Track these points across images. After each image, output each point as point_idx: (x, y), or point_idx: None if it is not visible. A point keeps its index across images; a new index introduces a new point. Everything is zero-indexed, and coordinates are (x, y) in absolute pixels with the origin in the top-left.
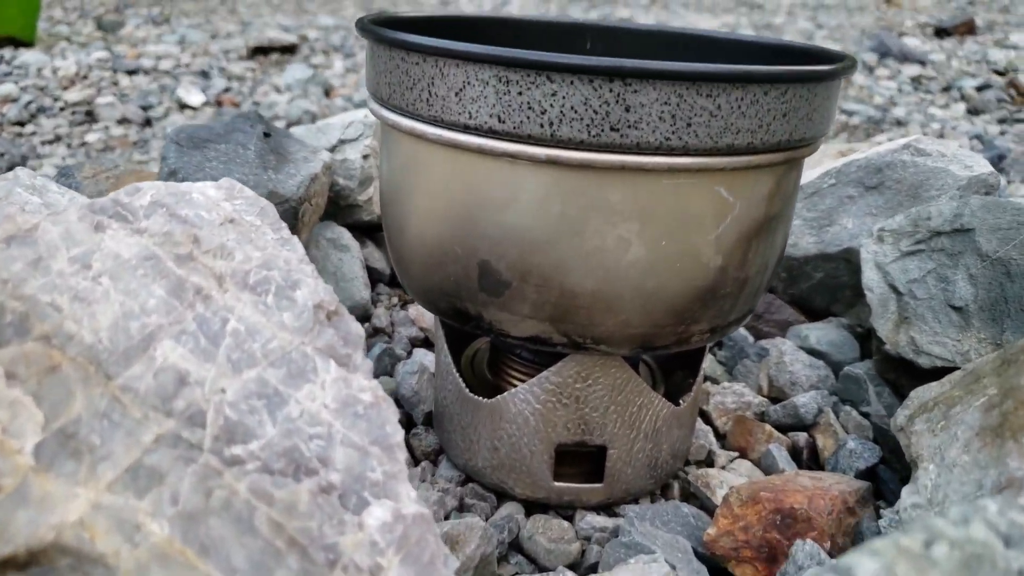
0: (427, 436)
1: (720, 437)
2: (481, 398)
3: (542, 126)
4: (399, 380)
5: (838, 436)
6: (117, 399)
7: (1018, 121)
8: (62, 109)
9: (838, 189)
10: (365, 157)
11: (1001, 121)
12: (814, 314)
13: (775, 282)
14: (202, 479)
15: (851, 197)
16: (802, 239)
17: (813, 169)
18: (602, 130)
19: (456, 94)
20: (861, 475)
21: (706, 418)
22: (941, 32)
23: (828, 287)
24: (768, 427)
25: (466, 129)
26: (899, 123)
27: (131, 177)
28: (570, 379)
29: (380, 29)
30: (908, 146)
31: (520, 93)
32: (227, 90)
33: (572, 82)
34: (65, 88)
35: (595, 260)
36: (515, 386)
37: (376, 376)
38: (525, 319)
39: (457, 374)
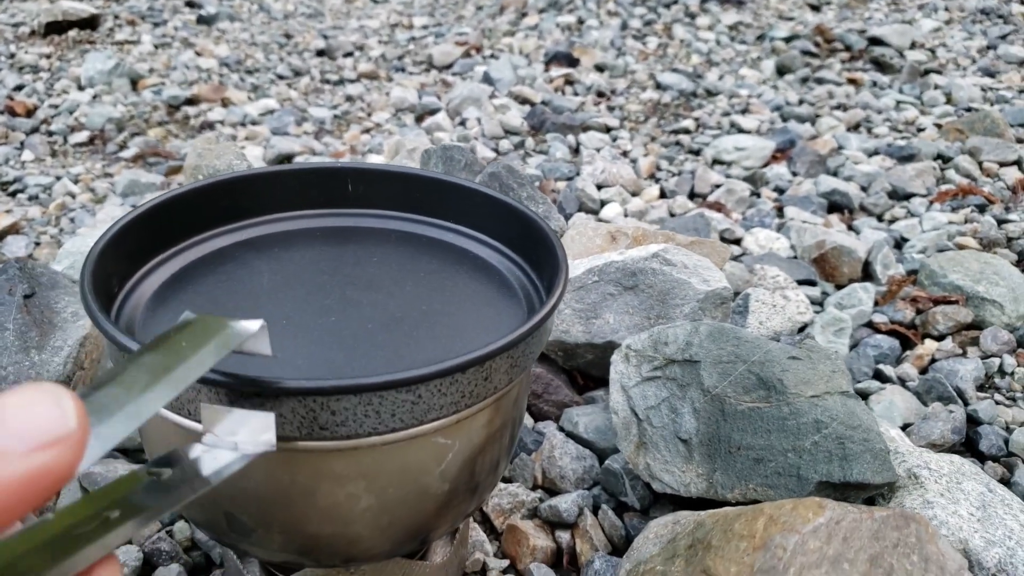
0: None
1: (498, 536)
2: None
3: None
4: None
5: (593, 542)
6: None
7: (818, 81)
8: None
9: (601, 286)
10: None
11: (803, 81)
12: (592, 379)
13: (554, 357)
14: None
15: (612, 295)
16: (573, 327)
17: (581, 260)
18: (312, 430)
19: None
20: None
21: (486, 518)
22: None
23: (599, 364)
24: (533, 540)
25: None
26: (709, 93)
27: None
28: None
29: (99, 317)
30: (657, 255)
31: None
32: (19, 88)
33: (279, 397)
34: None
35: (330, 512)
36: None
37: (171, 523)
38: (276, 552)
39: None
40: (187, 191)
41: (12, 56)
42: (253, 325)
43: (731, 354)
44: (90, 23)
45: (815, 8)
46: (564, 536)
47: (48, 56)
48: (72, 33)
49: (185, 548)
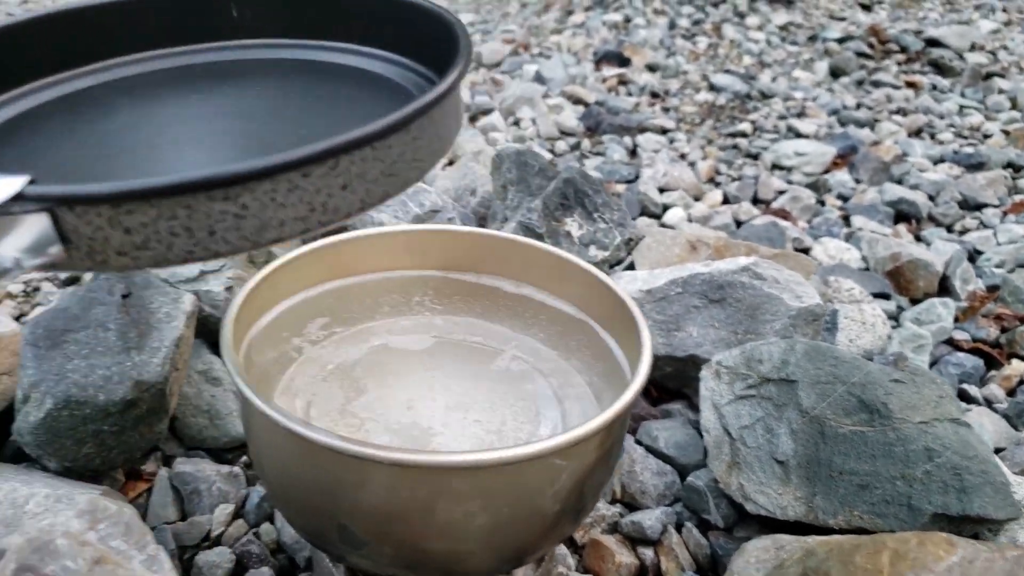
0: None
1: (579, 549)
2: None
3: None
4: (280, 527)
5: (679, 560)
6: None
7: (875, 84)
8: None
9: (684, 298)
10: (228, 288)
11: (859, 84)
12: (667, 391)
13: None
14: None
15: (696, 307)
16: (653, 338)
17: (662, 270)
18: (106, 257)
19: None
20: None
21: None
22: None
23: (678, 376)
24: (618, 557)
25: None
26: (764, 95)
27: None
28: None
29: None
30: (747, 268)
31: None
32: None
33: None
34: None
35: (446, 529)
36: None
37: (256, 524)
38: (384, 565)
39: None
40: (30, 20)
41: None
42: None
43: (829, 374)
44: None
45: (866, 8)
46: (646, 553)
47: None
48: None
49: (271, 551)
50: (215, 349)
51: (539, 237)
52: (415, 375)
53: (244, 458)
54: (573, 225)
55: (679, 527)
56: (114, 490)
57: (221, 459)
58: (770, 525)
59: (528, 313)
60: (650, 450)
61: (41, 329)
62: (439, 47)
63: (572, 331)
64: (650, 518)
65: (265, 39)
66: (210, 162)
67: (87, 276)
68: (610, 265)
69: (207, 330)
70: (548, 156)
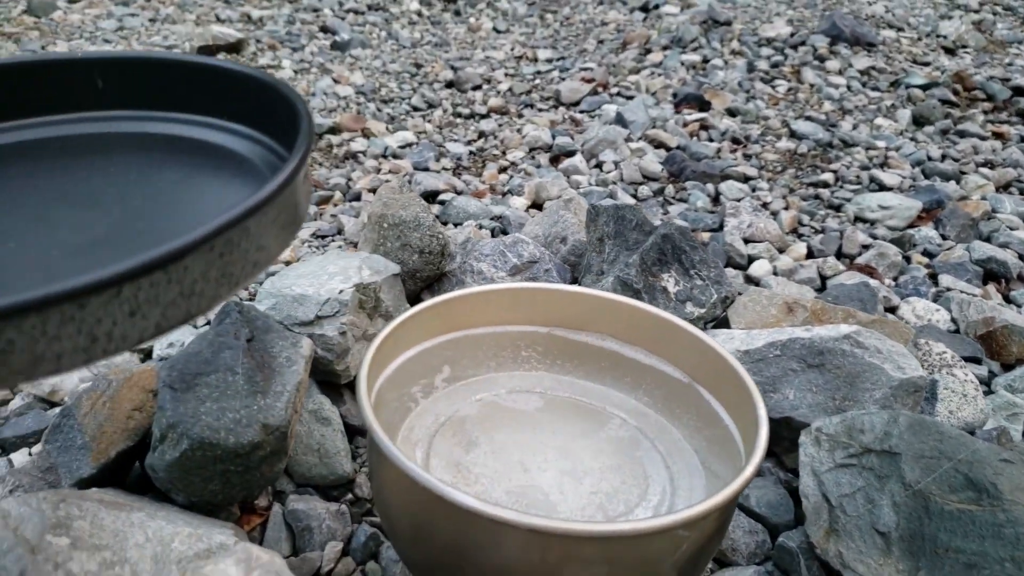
0: None
1: None
2: None
3: None
4: (384, 565)
5: None
6: None
7: (960, 135)
8: None
9: (782, 361)
10: (342, 333)
11: (943, 133)
12: None
13: None
14: None
15: (794, 371)
16: None
17: (760, 332)
18: None
19: None
20: None
21: None
22: None
23: (771, 436)
24: None
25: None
26: (845, 144)
27: (129, 392)
28: None
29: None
30: (849, 337)
31: None
32: None
33: None
34: None
35: None
36: None
37: (362, 562)
38: None
39: None
40: None
41: None
42: None
43: (934, 449)
44: (236, 47)
45: (950, 52)
46: None
47: None
48: (220, 56)
49: None
50: (324, 389)
51: (636, 292)
52: (525, 433)
53: (349, 496)
54: (670, 281)
55: None
56: (241, 528)
57: (328, 496)
58: None
59: (633, 374)
60: (742, 508)
61: (176, 372)
62: (290, 135)
63: (677, 394)
64: None
65: (136, 111)
66: (20, 270)
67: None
68: (705, 323)
69: (318, 369)
70: (632, 200)
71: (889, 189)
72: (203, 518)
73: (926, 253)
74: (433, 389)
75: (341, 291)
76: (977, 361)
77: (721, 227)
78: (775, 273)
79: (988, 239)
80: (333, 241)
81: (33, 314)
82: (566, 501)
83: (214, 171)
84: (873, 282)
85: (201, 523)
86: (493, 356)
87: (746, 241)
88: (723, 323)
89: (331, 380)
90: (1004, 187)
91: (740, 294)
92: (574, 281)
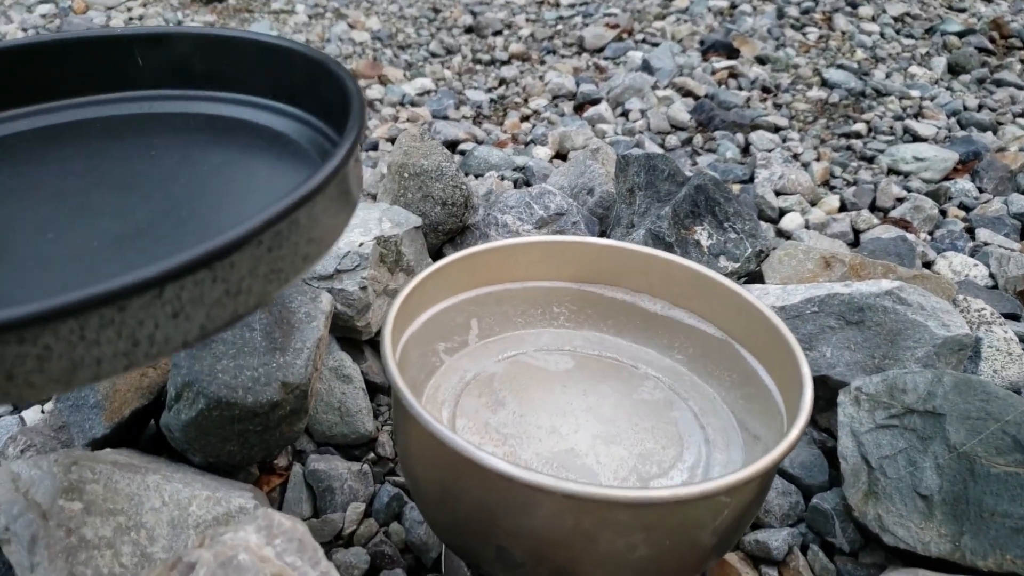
0: None
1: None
2: None
3: None
4: (408, 527)
5: None
6: None
7: (997, 84)
8: None
9: (820, 318)
10: (363, 288)
11: (980, 82)
12: None
13: None
14: None
15: (831, 328)
16: None
17: (797, 287)
18: None
19: None
20: None
21: None
22: None
23: None
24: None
25: None
26: (879, 93)
27: None
28: None
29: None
30: (891, 292)
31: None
32: None
33: None
34: None
35: (606, 558)
36: None
37: (385, 523)
38: None
39: None
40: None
41: (180, 23)
42: None
43: (980, 410)
44: None
45: None
46: (770, 573)
47: (212, 24)
48: (232, 1)
49: (400, 551)
50: (345, 346)
51: (668, 246)
52: (554, 393)
53: (371, 455)
54: (703, 234)
55: (804, 548)
56: (260, 490)
57: (350, 456)
58: (903, 557)
59: (667, 331)
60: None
61: None
62: (339, 115)
63: (713, 352)
64: (776, 538)
65: (178, 90)
66: (60, 263)
67: None
68: (739, 277)
69: (337, 325)
70: (659, 150)
71: (924, 140)
72: (221, 480)
73: (962, 206)
74: (459, 347)
75: (361, 244)
76: (1016, 318)
77: (752, 179)
78: (807, 227)
79: None
80: None
81: (71, 318)
82: (599, 464)
83: (259, 153)
84: (910, 236)
85: (219, 485)
86: (521, 313)
87: (777, 194)
88: (757, 278)
89: (351, 336)
90: None
91: (774, 248)
92: (602, 234)
